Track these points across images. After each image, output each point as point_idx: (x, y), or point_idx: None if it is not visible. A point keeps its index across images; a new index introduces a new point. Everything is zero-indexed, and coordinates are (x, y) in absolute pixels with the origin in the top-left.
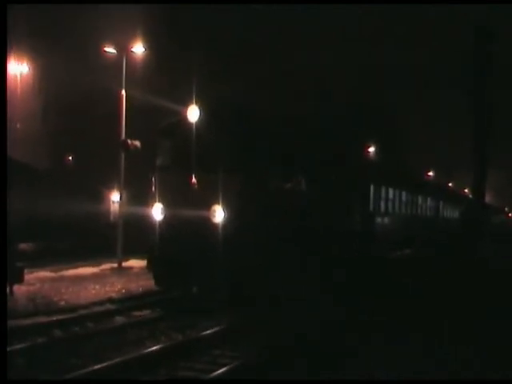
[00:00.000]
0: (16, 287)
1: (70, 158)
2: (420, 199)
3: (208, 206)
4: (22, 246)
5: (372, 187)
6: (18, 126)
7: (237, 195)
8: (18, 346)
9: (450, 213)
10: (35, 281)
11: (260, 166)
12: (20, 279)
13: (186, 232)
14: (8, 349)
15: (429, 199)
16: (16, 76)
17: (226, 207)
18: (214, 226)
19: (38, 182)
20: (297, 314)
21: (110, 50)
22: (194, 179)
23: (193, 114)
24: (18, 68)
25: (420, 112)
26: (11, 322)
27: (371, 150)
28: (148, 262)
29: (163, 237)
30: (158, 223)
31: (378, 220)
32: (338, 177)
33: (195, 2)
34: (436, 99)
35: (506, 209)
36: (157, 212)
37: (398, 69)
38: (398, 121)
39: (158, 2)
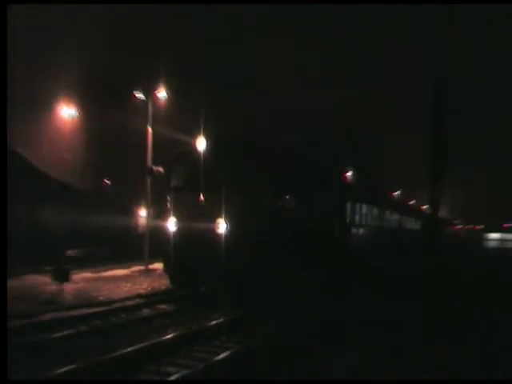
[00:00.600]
0: (64, 285)
1: (107, 181)
2: (386, 214)
3: (213, 219)
4: (69, 252)
5: (349, 204)
6: (68, 156)
7: (236, 210)
8: (67, 333)
9: (410, 225)
10: (79, 280)
11: (255, 187)
12: (68, 279)
13: (195, 240)
14: (58, 335)
15: (393, 214)
16: (67, 118)
17: (228, 220)
18: (218, 235)
19: (82, 201)
20: (290, 307)
21: (139, 95)
22: (201, 197)
23: (200, 143)
24: (68, 111)
25: (390, 142)
26: (60, 314)
27: (349, 174)
28: (164, 266)
29: (176, 245)
30: (172, 233)
31: (353, 229)
32: (321, 195)
33: (196, 3)
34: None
35: (457, 221)
36: (171, 224)
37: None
38: (374, 148)
39: (159, 2)
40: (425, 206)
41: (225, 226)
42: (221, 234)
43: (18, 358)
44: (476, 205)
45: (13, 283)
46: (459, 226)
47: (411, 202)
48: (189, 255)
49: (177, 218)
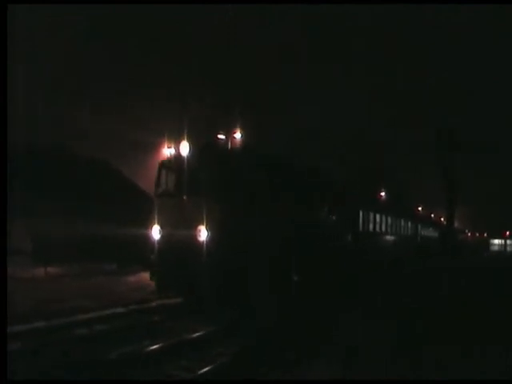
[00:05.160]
0: None
1: None
2: (402, 222)
3: (195, 226)
4: None
5: (361, 213)
6: None
7: (218, 218)
8: (165, 315)
9: (427, 233)
10: None
11: (238, 195)
12: None
13: (178, 248)
14: (160, 317)
15: (409, 223)
16: (167, 154)
17: (210, 227)
18: (201, 243)
19: None
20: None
21: (221, 136)
22: (184, 204)
23: (184, 149)
24: (168, 150)
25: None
26: (162, 301)
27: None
28: (150, 274)
29: (161, 253)
30: (156, 242)
31: (367, 235)
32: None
33: (197, 3)
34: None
35: (467, 230)
36: (155, 232)
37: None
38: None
39: (160, 3)
40: (441, 218)
41: (206, 232)
42: (203, 242)
43: (139, 332)
44: (482, 217)
45: (130, 279)
46: (469, 234)
47: (432, 215)
48: (173, 263)
49: (161, 225)
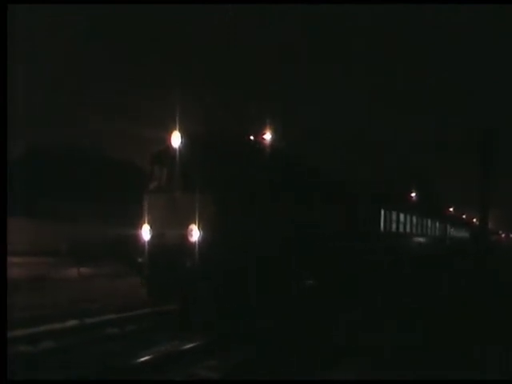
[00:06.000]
0: None
1: None
2: (430, 223)
3: (187, 224)
4: None
5: (383, 212)
6: None
7: (216, 216)
8: None
9: (457, 233)
10: None
11: (236, 190)
12: None
13: (170, 250)
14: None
15: (437, 223)
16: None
17: (206, 225)
18: (193, 243)
19: None
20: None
21: (251, 137)
22: (176, 200)
23: (175, 140)
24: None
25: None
26: None
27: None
28: (141, 279)
29: (151, 254)
30: (146, 242)
31: (388, 236)
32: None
33: (197, 3)
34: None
35: (500, 231)
36: (145, 233)
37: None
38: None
39: (160, 3)
40: (474, 219)
41: (199, 232)
42: (195, 242)
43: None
44: None
45: None
46: (502, 235)
47: (463, 216)
48: (164, 266)
49: (151, 224)
